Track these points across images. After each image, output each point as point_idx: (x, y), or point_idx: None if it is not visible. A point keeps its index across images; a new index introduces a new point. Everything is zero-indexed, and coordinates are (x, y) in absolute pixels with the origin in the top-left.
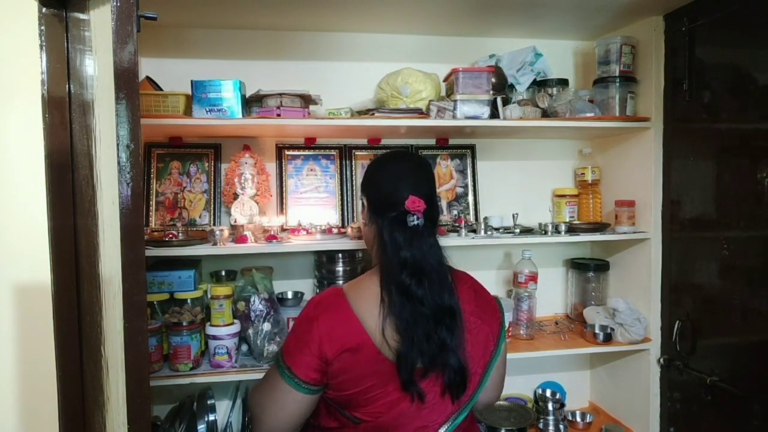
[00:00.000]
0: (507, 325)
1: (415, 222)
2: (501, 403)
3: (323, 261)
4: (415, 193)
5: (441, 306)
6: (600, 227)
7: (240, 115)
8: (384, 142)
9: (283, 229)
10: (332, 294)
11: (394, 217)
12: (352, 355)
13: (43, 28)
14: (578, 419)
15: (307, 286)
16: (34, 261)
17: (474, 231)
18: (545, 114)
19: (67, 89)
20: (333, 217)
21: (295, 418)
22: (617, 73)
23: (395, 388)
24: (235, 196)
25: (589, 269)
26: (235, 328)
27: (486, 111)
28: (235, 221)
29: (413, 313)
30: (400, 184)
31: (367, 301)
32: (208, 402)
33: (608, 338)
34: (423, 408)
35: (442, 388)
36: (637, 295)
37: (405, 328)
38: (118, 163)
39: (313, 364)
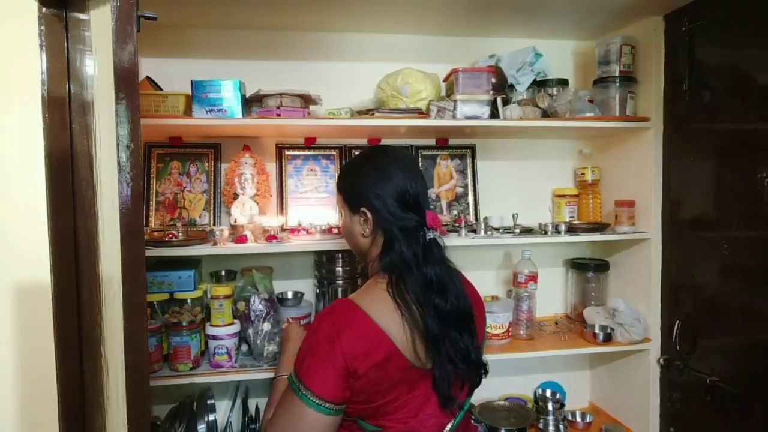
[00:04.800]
0: (508, 324)
1: (431, 236)
2: (501, 403)
3: (323, 261)
4: (427, 205)
5: (463, 313)
6: (600, 227)
7: (240, 115)
8: (384, 142)
9: (283, 229)
10: (346, 308)
11: (408, 231)
12: (380, 369)
13: (43, 28)
14: (578, 419)
15: (307, 286)
16: (34, 261)
17: (474, 231)
18: (545, 114)
19: (67, 89)
20: (333, 217)
21: None
22: (617, 73)
23: (422, 392)
24: (235, 196)
25: (588, 269)
26: (235, 328)
27: (486, 111)
28: (235, 221)
29: (441, 327)
30: (414, 198)
31: (386, 311)
32: (208, 402)
33: (608, 338)
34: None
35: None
36: (637, 295)
37: (435, 342)
38: (118, 163)
39: (340, 384)
